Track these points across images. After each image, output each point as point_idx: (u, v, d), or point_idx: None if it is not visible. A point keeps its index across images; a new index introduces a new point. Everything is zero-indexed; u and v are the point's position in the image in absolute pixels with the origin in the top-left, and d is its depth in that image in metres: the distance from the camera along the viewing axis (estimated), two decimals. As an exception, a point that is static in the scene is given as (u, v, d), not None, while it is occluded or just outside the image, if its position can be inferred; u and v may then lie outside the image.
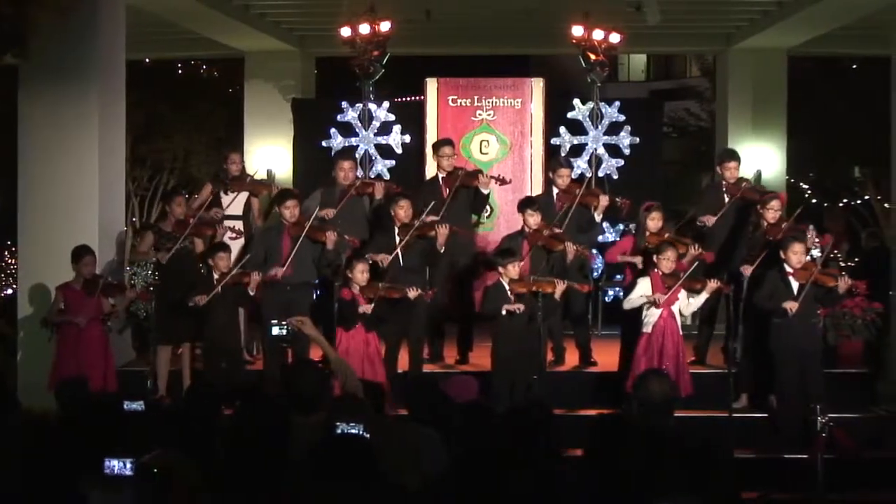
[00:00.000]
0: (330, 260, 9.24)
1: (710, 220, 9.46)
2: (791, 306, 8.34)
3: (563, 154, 12.04)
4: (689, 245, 9.05)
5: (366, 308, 8.53)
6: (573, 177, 10.34)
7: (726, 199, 9.55)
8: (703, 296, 8.74)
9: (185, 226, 9.45)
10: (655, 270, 8.67)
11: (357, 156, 11.67)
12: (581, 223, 9.76)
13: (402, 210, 9.30)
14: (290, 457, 4.68)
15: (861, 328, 9.64)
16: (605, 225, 11.08)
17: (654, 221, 9.20)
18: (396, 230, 9.28)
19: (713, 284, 8.62)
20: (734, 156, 9.93)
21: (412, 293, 8.68)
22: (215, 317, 8.89)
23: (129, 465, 4.13)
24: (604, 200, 9.68)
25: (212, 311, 8.86)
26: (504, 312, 8.54)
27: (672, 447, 4.74)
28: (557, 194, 9.84)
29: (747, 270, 8.74)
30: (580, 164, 12.03)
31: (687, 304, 8.75)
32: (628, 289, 9.08)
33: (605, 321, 11.69)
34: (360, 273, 8.59)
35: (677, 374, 8.38)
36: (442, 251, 9.32)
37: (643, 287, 8.69)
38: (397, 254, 9.11)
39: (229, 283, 8.83)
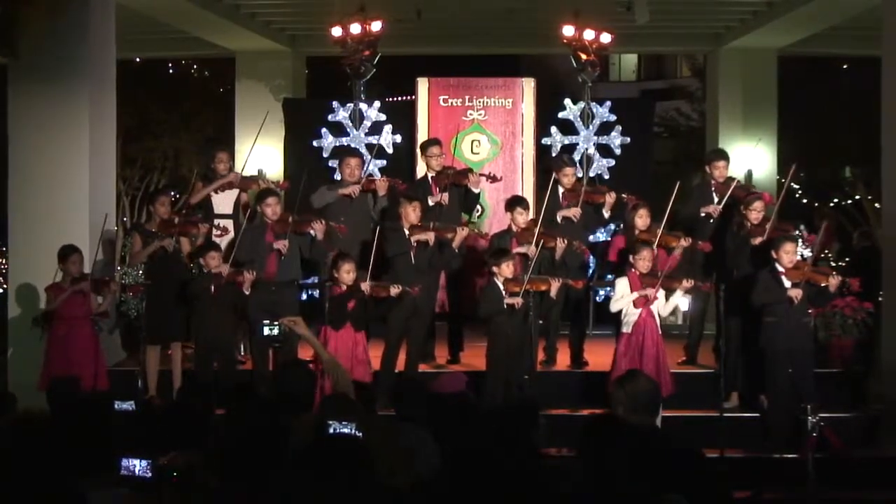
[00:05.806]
0: (323, 252, 9.19)
1: (715, 210, 9.45)
2: (796, 294, 8.33)
3: (554, 154, 12.06)
4: (680, 238, 9.05)
5: (366, 287, 8.43)
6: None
7: (715, 199, 9.57)
8: (678, 295, 8.69)
9: (170, 225, 9.41)
10: (633, 270, 8.65)
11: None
12: (587, 222, 9.77)
13: (414, 211, 9.15)
14: (281, 456, 4.68)
15: (851, 328, 9.66)
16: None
17: (641, 219, 9.20)
18: (406, 231, 9.15)
19: (687, 284, 8.59)
20: (723, 155, 9.95)
21: (395, 290, 8.66)
22: (210, 316, 8.87)
23: (147, 467, 4.06)
24: (610, 198, 9.58)
25: (206, 310, 8.87)
26: (505, 306, 8.52)
27: (658, 446, 4.74)
28: (563, 193, 9.78)
29: None
30: (571, 164, 12.03)
31: (664, 304, 8.71)
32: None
33: (595, 321, 11.65)
34: (346, 273, 8.54)
35: (658, 373, 8.35)
36: (457, 251, 9.28)
37: (622, 287, 8.67)
38: (409, 254, 9.08)
39: (224, 281, 8.82)
